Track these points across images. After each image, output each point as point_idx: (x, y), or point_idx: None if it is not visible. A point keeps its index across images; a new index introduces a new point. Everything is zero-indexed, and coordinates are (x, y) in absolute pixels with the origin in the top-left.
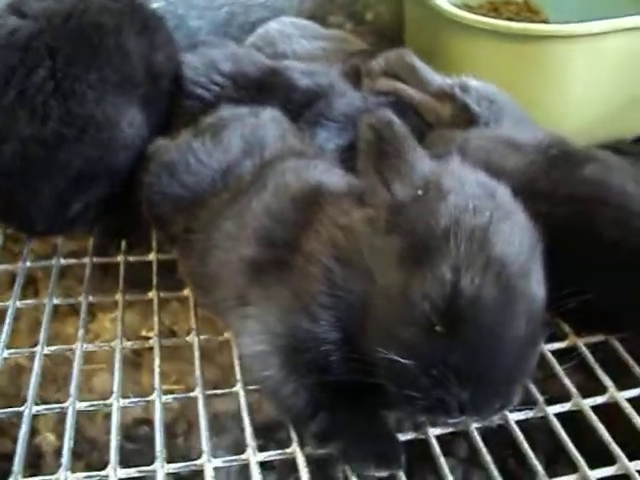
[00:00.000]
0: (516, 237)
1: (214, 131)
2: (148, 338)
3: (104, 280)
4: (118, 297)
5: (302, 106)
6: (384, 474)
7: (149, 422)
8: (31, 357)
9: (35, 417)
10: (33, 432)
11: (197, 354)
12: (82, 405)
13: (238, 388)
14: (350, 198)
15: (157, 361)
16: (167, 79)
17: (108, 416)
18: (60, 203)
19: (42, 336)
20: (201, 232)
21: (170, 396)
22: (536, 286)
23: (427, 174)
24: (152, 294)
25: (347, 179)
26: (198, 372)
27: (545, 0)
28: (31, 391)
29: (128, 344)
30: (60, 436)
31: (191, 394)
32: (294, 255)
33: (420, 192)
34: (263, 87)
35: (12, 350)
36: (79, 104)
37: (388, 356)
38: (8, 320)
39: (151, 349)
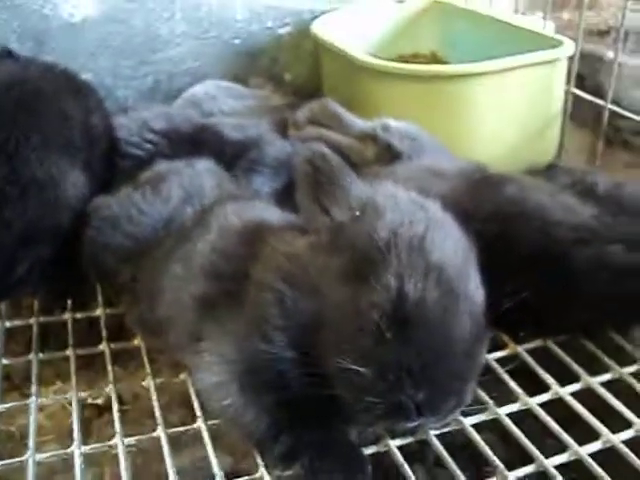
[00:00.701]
0: (451, 244)
1: (153, 183)
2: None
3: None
4: (69, 352)
5: (234, 157)
6: None
7: None
8: None
9: None
10: None
11: (155, 396)
12: (42, 456)
13: (200, 423)
14: (290, 231)
15: (116, 406)
16: (103, 141)
17: None
18: (5, 264)
19: None
20: (147, 279)
21: (132, 438)
22: (475, 288)
23: (362, 196)
24: (103, 346)
25: (285, 215)
26: (158, 412)
27: (451, 53)
28: None
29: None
30: None
31: (154, 434)
32: (243, 286)
33: (357, 213)
34: (195, 142)
35: None
36: (23, 164)
37: (344, 366)
38: None
39: (100, 415)
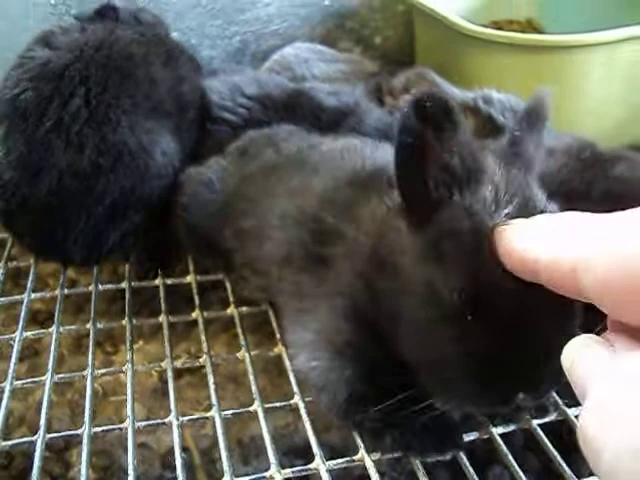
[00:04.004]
0: None
1: (242, 150)
2: (198, 357)
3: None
4: (162, 319)
5: (331, 124)
6: (446, 458)
7: (186, 449)
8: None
9: (67, 449)
10: (67, 466)
11: (250, 369)
12: (140, 424)
13: (297, 400)
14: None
15: (211, 378)
16: (194, 108)
17: (144, 446)
18: (97, 235)
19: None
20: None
21: (229, 412)
22: None
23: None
24: (196, 314)
25: None
26: (254, 387)
27: (545, 18)
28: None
29: (177, 364)
30: (95, 468)
31: (250, 408)
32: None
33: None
34: (290, 108)
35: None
36: (114, 131)
37: (426, 357)
38: (53, 347)
39: (180, 376)
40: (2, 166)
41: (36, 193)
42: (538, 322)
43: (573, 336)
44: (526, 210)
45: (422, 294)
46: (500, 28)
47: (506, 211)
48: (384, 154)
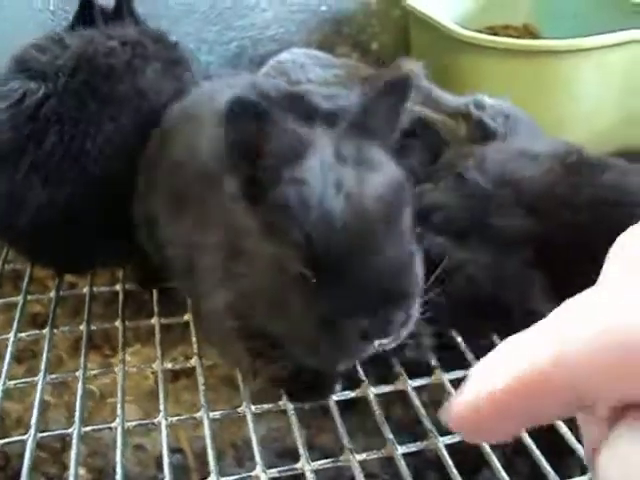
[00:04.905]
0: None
1: None
2: (189, 358)
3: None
4: (154, 321)
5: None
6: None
7: (181, 451)
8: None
9: (64, 451)
10: (64, 467)
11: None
12: (130, 424)
13: (285, 401)
14: None
15: (201, 379)
16: None
17: (140, 448)
18: (86, 256)
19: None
20: None
21: (217, 413)
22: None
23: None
24: (187, 317)
25: None
26: (242, 389)
27: (542, 23)
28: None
29: (168, 366)
30: (91, 469)
31: (238, 410)
32: None
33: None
34: (284, 111)
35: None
36: (94, 163)
37: (279, 329)
38: (47, 348)
39: (177, 379)
40: None
41: (19, 225)
42: (376, 272)
43: (413, 281)
44: (360, 169)
45: (269, 271)
46: (495, 33)
47: (337, 174)
48: None
